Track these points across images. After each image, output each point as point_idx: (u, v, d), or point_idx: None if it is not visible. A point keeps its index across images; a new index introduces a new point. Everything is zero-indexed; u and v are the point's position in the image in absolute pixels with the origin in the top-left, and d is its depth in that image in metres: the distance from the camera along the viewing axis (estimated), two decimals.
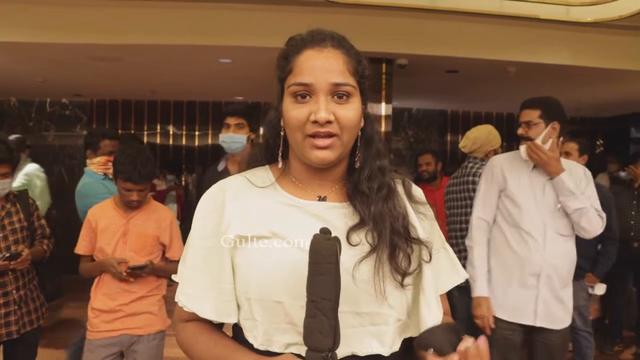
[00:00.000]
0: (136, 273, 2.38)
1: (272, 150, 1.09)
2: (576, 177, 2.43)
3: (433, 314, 1.01)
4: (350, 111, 0.98)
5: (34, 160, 4.86)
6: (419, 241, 1.01)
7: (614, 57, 4.63)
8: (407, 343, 1.03)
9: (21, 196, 2.72)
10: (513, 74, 4.96)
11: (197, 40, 4.12)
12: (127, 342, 2.42)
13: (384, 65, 4.61)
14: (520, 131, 2.42)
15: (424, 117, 8.02)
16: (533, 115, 2.40)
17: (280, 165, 1.06)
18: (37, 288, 2.73)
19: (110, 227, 2.44)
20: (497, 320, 2.41)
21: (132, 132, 7.23)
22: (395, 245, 0.98)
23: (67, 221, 4.23)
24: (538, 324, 2.38)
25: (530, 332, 2.46)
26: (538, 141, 2.36)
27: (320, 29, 1.03)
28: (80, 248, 2.49)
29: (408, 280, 0.99)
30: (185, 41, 4.12)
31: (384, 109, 4.63)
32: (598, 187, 3.67)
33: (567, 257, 2.40)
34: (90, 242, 2.47)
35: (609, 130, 8.03)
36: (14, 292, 2.56)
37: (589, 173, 2.52)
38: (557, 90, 5.95)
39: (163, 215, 2.54)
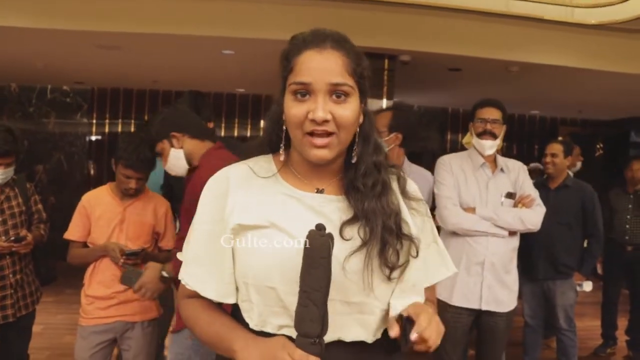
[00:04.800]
0: (131, 260, 2.37)
1: (274, 145, 1.13)
2: (513, 171, 2.66)
3: (403, 304, 1.05)
4: (347, 110, 1.02)
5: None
6: (409, 237, 1.07)
7: (617, 60, 4.63)
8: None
9: (19, 181, 2.72)
10: (515, 73, 4.96)
11: (200, 30, 4.11)
12: (121, 329, 2.43)
13: (386, 61, 4.59)
14: (488, 127, 2.58)
15: (425, 115, 8.01)
16: (497, 114, 2.60)
17: (282, 158, 1.10)
18: (33, 272, 2.74)
19: (106, 214, 2.43)
20: (447, 306, 2.57)
21: (133, 121, 7.23)
22: (385, 242, 1.03)
23: (65, 207, 4.23)
24: (484, 308, 2.56)
25: (478, 317, 2.63)
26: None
27: (322, 29, 1.07)
28: (73, 234, 2.44)
29: (395, 274, 1.05)
30: (188, 31, 4.11)
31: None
32: (584, 185, 3.63)
33: (508, 245, 2.59)
34: (84, 228, 2.43)
35: (609, 134, 8.03)
36: (11, 276, 2.57)
37: (524, 167, 2.74)
38: (558, 91, 5.96)
39: (159, 204, 2.55)
